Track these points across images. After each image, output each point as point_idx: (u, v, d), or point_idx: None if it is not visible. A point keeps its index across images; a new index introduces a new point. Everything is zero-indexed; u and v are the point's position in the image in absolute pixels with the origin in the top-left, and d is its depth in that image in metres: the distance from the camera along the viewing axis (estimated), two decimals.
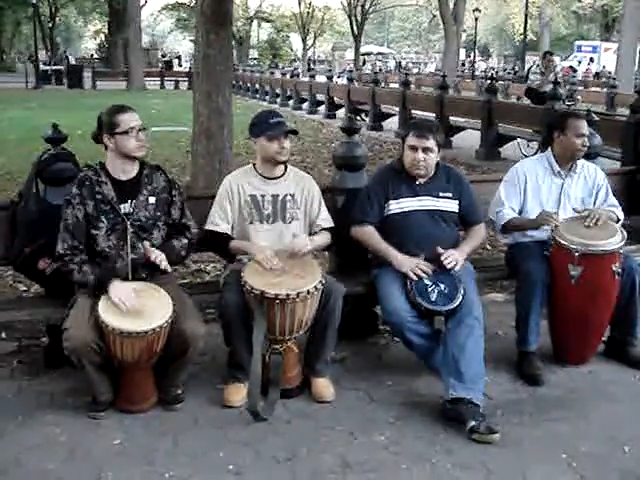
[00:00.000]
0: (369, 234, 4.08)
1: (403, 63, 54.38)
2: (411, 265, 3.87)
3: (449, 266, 3.86)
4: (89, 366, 3.46)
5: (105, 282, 3.51)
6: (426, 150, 4.01)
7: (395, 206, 4.08)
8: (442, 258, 3.88)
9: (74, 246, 3.60)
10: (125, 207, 3.65)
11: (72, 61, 42.11)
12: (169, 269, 3.63)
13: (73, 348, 3.40)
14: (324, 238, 4.07)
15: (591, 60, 43.08)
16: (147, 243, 3.63)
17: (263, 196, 3.97)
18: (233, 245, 3.96)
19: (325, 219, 4.11)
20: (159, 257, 3.59)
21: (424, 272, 3.85)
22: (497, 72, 37.76)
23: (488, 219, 4.42)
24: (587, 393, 3.96)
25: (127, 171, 3.70)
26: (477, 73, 42.13)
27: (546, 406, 3.80)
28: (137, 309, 3.45)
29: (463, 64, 51.05)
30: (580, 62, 40.99)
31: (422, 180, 4.10)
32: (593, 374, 4.19)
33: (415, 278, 3.83)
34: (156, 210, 3.71)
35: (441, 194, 4.10)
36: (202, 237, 3.92)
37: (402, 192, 4.09)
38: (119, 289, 3.49)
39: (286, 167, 4.07)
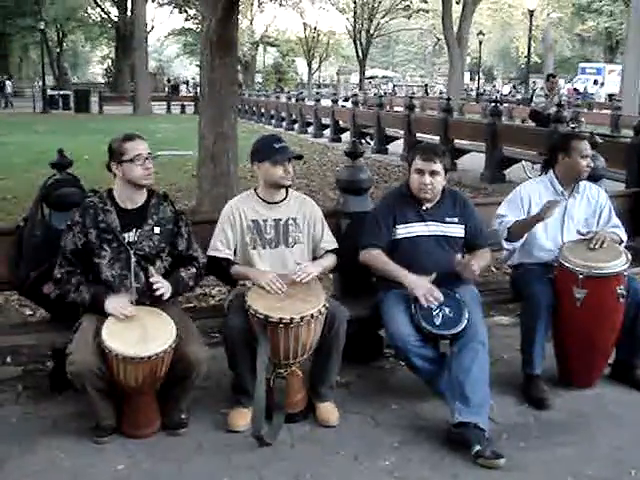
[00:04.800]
0: (377, 257, 4.04)
1: (394, 87, 55.43)
2: (423, 290, 3.83)
3: (432, 304, 3.79)
4: (92, 391, 3.46)
5: (101, 299, 3.54)
6: (433, 173, 4.01)
7: (402, 230, 4.08)
8: (458, 261, 3.87)
9: (69, 271, 3.64)
10: (130, 236, 3.66)
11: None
12: (166, 295, 3.61)
13: (76, 373, 3.39)
14: (330, 261, 4.08)
15: (595, 82, 43.19)
16: (152, 269, 3.64)
17: (265, 221, 3.98)
18: (235, 271, 3.95)
19: (329, 241, 4.12)
20: (158, 284, 3.58)
21: (435, 299, 3.81)
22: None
23: (492, 230, 4.39)
24: (593, 416, 3.93)
25: (134, 200, 3.72)
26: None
27: (552, 430, 3.78)
28: (140, 333, 3.46)
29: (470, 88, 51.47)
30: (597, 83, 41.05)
31: (429, 205, 4.11)
32: (599, 397, 4.16)
33: (425, 304, 3.80)
34: (160, 241, 3.72)
35: (447, 219, 4.11)
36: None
37: (409, 217, 4.09)
38: (115, 301, 3.52)
39: (287, 191, 4.08)
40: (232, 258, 3.97)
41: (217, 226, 4.02)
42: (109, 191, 3.76)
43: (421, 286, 3.84)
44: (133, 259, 3.64)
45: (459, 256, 3.96)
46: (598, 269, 3.95)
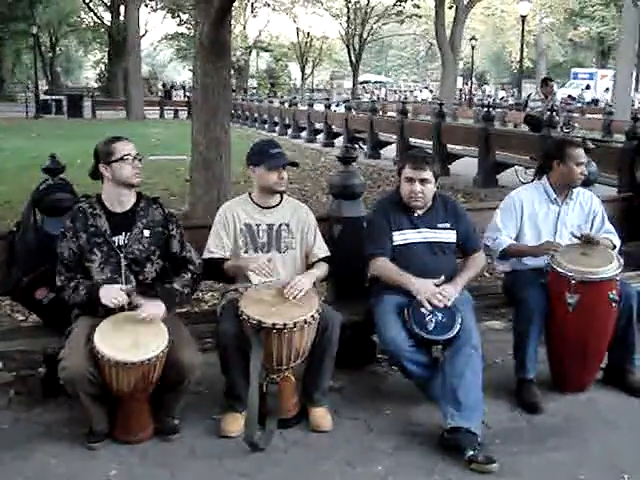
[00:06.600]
0: (385, 265, 4.03)
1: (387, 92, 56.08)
2: (427, 294, 3.82)
3: (440, 305, 3.81)
4: (85, 396, 3.45)
5: (96, 293, 3.52)
6: (423, 181, 4.01)
7: (396, 238, 4.08)
8: (437, 292, 3.87)
9: (69, 277, 3.63)
10: (119, 239, 3.66)
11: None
12: (149, 317, 3.54)
13: (69, 378, 3.39)
14: (322, 270, 4.07)
15: (587, 87, 43.32)
16: (139, 298, 3.61)
17: (258, 225, 3.99)
18: (228, 265, 3.95)
19: (321, 248, 4.12)
20: (142, 310, 3.52)
21: (445, 297, 3.80)
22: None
23: (484, 244, 4.41)
24: (586, 421, 3.94)
25: (123, 202, 3.71)
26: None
27: (545, 434, 3.78)
28: (132, 338, 3.45)
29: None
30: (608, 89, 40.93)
31: (420, 212, 4.11)
32: (592, 401, 4.17)
33: (429, 307, 3.78)
34: (150, 244, 3.71)
35: (439, 225, 4.11)
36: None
37: (402, 224, 4.09)
38: (108, 291, 3.50)
39: (282, 196, 4.08)
40: (226, 257, 3.97)
41: (212, 229, 4.02)
42: (98, 196, 3.75)
43: (425, 290, 3.83)
44: (123, 262, 3.63)
45: (437, 282, 3.92)
46: (590, 274, 3.96)
